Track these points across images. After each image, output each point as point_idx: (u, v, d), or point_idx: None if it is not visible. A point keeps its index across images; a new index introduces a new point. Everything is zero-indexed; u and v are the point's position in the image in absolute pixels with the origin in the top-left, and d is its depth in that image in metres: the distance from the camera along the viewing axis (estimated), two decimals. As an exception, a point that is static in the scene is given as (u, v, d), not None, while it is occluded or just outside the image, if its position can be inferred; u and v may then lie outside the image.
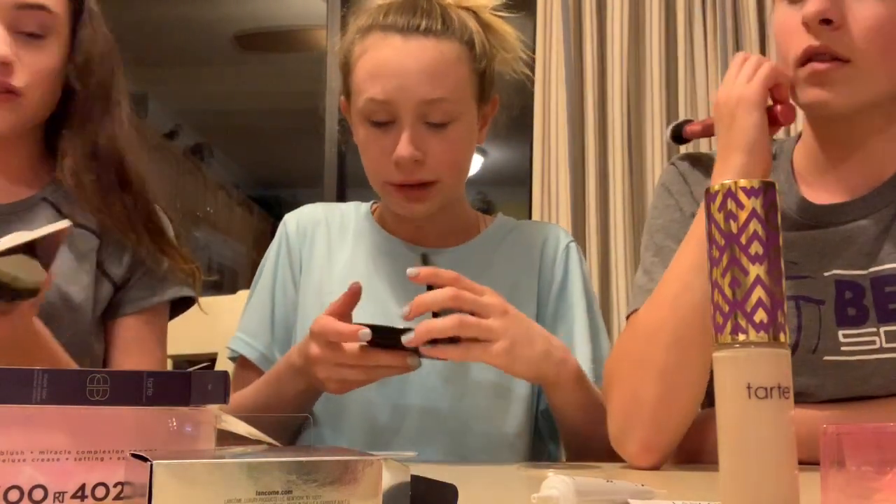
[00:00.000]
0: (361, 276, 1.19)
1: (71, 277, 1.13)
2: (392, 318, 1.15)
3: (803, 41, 0.92)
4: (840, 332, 0.94)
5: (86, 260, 1.15)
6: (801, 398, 0.95)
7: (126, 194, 1.16)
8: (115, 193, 1.16)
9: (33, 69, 1.08)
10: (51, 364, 0.97)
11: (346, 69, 1.18)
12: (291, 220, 1.28)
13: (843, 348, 0.94)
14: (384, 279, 1.21)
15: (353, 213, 1.30)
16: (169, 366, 1.58)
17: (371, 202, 1.33)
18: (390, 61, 1.11)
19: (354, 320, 1.13)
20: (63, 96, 1.16)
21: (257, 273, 1.28)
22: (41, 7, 1.08)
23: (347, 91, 1.19)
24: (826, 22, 0.90)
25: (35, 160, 1.19)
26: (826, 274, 0.96)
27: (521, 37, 1.24)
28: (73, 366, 1.04)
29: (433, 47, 1.11)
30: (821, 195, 1.01)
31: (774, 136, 1.04)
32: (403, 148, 1.10)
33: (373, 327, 0.97)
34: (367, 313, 1.15)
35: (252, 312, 1.24)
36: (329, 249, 1.25)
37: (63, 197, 1.16)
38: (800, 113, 1.00)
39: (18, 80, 1.07)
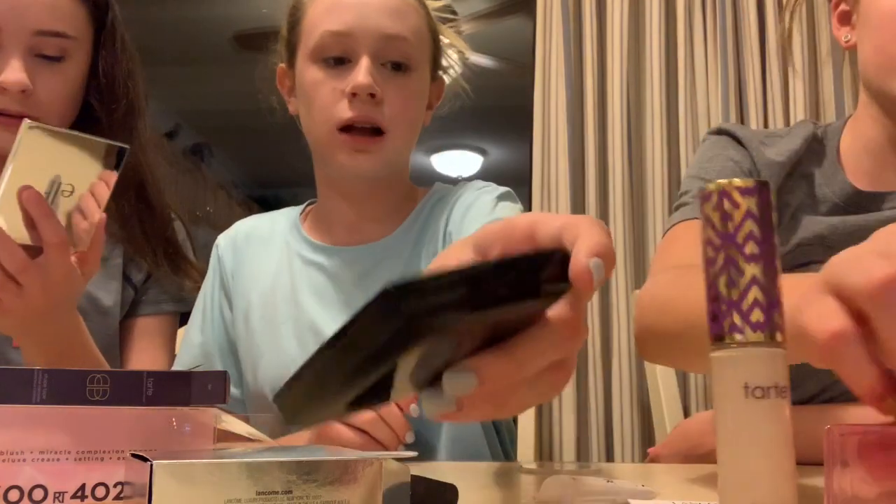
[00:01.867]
0: (285, 291, 1.11)
1: (99, 282, 1.13)
2: (321, 338, 1.03)
3: None
4: None
5: (111, 265, 1.16)
6: (848, 396, 0.94)
7: (146, 219, 1.16)
8: (135, 219, 1.16)
9: (51, 94, 1.07)
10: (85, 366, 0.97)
11: (293, 21, 1.11)
12: (222, 239, 1.20)
13: None
14: (311, 294, 1.11)
15: (281, 222, 1.20)
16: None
17: (305, 204, 1.24)
18: None
19: (281, 340, 1.06)
20: (81, 111, 1.14)
21: (196, 304, 1.18)
22: (61, 34, 1.07)
23: (291, 48, 1.11)
24: None
25: None
26: None
27: (461, 47, 1.18)
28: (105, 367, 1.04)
29: None
30: (865, 182, 1.01)
31: (816, 121, 1.04)
32: (362, 75, 1.02)
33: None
34: (293, 333, 1.08)
35: (191, 348, 1.14)
36: (256, 265, 1.16)
37: None
38: (847, 99, 0.99)
39: (35, 106, 1.06)
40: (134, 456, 0.45)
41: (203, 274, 1.19)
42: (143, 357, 1.16)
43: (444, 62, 1.17)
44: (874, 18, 0.96)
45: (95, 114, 1.13)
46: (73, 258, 0.86)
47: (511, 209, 1.08)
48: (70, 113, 1.12)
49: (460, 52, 1.19)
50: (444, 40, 1.16)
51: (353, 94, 1.03)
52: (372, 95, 1.03)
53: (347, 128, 1.05)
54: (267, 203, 6.33)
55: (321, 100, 1.05)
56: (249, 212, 6.63)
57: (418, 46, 1.08)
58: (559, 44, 2.15)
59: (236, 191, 6.17)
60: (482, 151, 5.64)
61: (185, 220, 1.24)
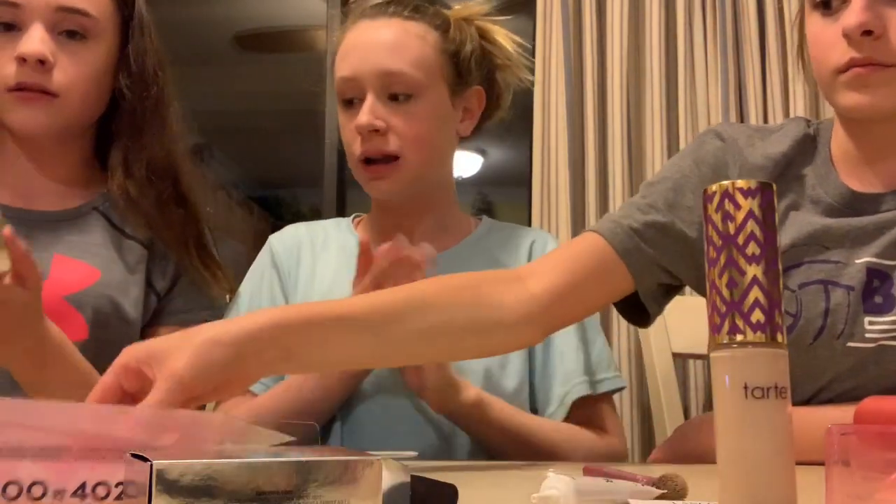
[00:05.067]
0: (344, 293, 1.14)
1: (123, 289, 1.12)
2: None
3: (844, 53, 0.93)
4: (866, 319, 0.95)
5: (136, 272, 1.15)
6: (847, 397, 0.95)
7: (180, 209, 1.16)
8: (171, 208, 1.16)
9: (72, 70, 1.07)
10: (69, 380, 0.96)
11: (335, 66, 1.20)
12: (277, 241, 1.28)
13: (867, 335, 0.95)
14: None
15: (333, 229, 1.29)
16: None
17: (353, 216, 1.33)
18: (357, 40, 1.17)
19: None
20: (113, 105, 1.14)
21: (235, 300, 1.23)
22: (81, 12, 1.08)
23: None
24: (867, 33, 0.91)
25: (86, 168, 1.18)
26: (858, 261, 0.97)
27: (520, 45, 1.25)
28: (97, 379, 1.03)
29: (396, 24, 1.16)
30: (857, 184, 1.02)
31: (810, 119, 1.07)
32: (363, 116, 1.13)
33: None
34: None
35: None
36: (313, 268, 1.23)
37: (114, 207, 1.16)
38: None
39: (55, 81, 1.06)
40: (134, 456, 0.45)
41: (229, 279, 1.20)
42: None
43: (498, 62, 1.24)
44: (809, 44, 1.00)
45: (125, 105, 1.13)
46: (7, 280, 0.85)
47: None
48: (93, 98, 1.12)
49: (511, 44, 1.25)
50: (489, 47, 1.23)
51: (359, 133, 1.14)
52: (375, 130, 1.13)
53: (367, 160, 1.16)
54: (267, 203, 6.31)
55: (345, 139, 1.18)
56: (249, 212, 6.62)
57: (424, 77, 1.15)
58: (559, 44, 2.15)
59: (236, 191, 6.17)
60: (482, 151, 5.63)
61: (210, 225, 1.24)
